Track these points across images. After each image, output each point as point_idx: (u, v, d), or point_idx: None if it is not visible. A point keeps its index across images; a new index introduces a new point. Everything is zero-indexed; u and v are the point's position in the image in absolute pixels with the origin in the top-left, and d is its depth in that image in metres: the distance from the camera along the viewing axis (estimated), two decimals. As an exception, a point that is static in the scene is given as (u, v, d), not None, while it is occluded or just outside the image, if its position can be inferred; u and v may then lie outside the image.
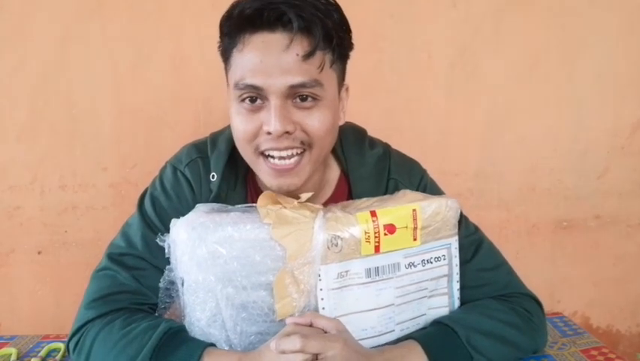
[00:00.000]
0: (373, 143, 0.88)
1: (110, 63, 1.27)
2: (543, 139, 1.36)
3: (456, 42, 1.31)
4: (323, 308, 0.71)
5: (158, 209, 0.81)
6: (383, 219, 0.71)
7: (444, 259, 0.76)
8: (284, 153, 0.71)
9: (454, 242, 0.77)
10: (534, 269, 1.40)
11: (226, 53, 0.74)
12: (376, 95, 1.31)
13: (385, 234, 0.71)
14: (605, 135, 1.36)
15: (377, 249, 0.71)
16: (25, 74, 1.27)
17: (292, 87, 0.68)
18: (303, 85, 0.68)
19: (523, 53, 1.32)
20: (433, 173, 0.90)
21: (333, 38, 0.69)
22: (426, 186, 0.87)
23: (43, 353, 0.83)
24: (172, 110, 1.30)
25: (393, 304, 0.73)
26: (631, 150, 1.37)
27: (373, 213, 0.72)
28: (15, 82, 1.27)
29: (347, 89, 0.80)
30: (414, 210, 0.72)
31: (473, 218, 0.85)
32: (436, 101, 1.33)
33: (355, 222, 0.71)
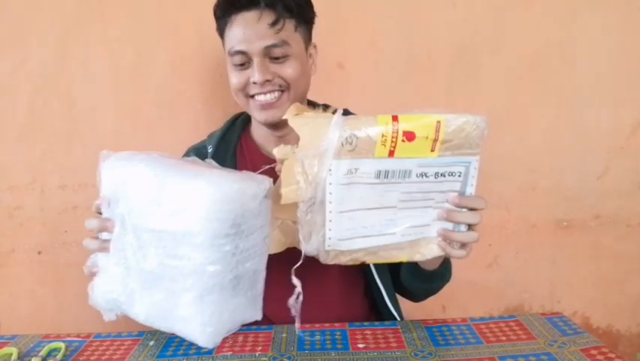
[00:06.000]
0: None
1: (110, 63, 1.28)
2: (543, 139, 1.36)
3: (456, 42, 1.31)
4: (330, 202, 0.71)
5: None
6: (404, 124, 0.69)
7: (459, 176, 0.75)
8: (268, 96, 0.94)
9: (474, 162, 0.75)
10: (534, 269, 1.40)
11: (221, 31, 0.98)
12: (376, 95, 1.31)
13: (403, 140, 0.69)
14: (605, 135, 1.36)
15: (391, 153, 0.70)
16: (25, 74, 1.27)
17: (267, 48, 0.91)
18: (274, 45, 0.91)
19: (523, 53, 1.32)
20: (433, 173, 0.90)
21: (293, 9, 0.92)
22: None
23: (43, 352, 0.83)
24: (172, 110, 1.30)
25: (395, 207, 0.74)
26: (631, 150, 1.37)
27: (395, 118, 0.70)
28: (15, 82, 1.28)
29: (315, 47, 1.02)
30: (438, 121, 0.70)
31: (473, 218, 0.85)
32: (436, 101, 1.33)
33: (375, 123, 0.69)
